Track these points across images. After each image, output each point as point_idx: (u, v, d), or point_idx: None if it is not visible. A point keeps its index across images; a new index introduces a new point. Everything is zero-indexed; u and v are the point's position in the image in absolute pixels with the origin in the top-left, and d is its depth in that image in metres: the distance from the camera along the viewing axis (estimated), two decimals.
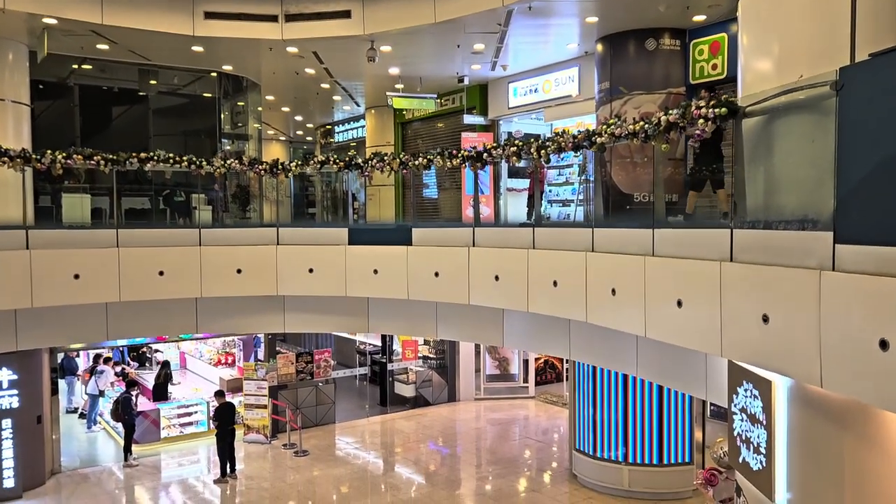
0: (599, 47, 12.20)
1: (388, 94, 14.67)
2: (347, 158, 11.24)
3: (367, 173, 11.05)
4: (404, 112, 18.83)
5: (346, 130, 22.47)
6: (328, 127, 23.36)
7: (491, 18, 11.11)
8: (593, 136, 7.76)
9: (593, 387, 12.30)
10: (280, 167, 11.37)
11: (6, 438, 11.92)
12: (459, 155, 9.97)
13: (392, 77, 15.09)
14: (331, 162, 11.29)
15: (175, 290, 10.77)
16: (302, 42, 12.51)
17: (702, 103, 5.95)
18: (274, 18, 12.15)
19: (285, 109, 20.45)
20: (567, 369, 18.57)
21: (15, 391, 11.97)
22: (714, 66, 11.22)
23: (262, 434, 15.26)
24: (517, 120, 16.09)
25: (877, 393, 4.06)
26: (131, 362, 19.07)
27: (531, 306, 8.87)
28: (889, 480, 4.56)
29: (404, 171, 10.77)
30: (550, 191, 14.95)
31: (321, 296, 11.35)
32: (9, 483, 11.98)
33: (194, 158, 11.07)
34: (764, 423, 5.69)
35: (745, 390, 6.02)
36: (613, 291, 7.41)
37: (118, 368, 17.46)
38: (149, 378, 16.90)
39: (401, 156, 10.79)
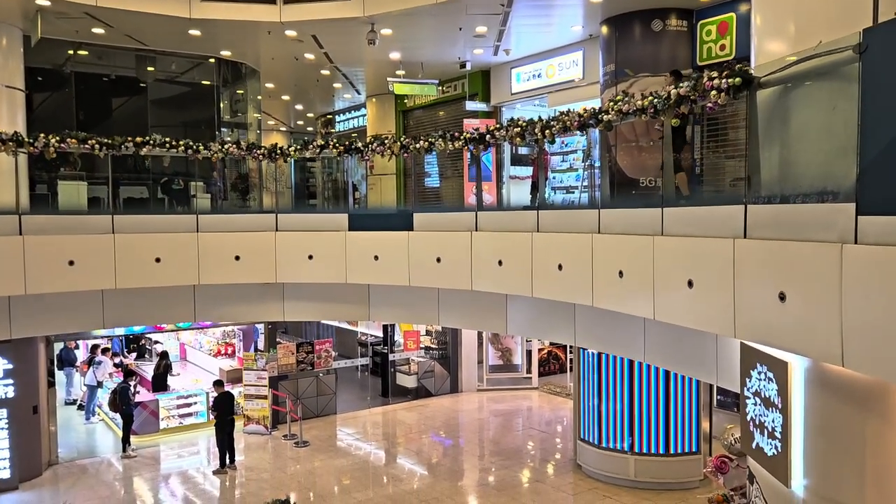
0: (604, 29, 11.95)
1: (388, 79, 14.41)
2: (347, 142, 11.01)
3: (367, 157, 10.82)
4: (405, 100, 18.59)
5: (347, 119, 22.23)
6: (329, 116, 23.12)
7: None
8: (600, 113, 7.52)
9: (598, 376, 12.08)
10: (279, 152, 11.15)
11: (1, 429, 11.74)
12: (462, 137, 9.73)
13: (393, 62, 14.83)
14: (330, 146, 11.06)
15: (172, 278, 10.56)
16: (300, 25, 12.26)
17: (714, 74, 5.70)
18: (272, 0, 11.91)
19: (285, 98, 20.21)
20: (571, 360, 18.37)
21: (10, 381, 11.79)
22: (722, 47, 10.98)
23: (263, 425, 15.07)
24: (520, 106, 15.85)
25: None
26: (127, 353, 18.85)
27: (535, 291, 8.64)
28: None
29: (405, 154, 10.53)
30: (554, 177, 14.74)
31: (321, 283, 11.15)
32: (4, 474, 11.81)
33: (191, 143, 10.85)
34: (779, 406, 5.47)
35: (759, 373, 5.80)
36: (621, 274, 7.17)
37: (117, 360, 17.26)
38: (148, 369, 16.71)
39: (401, 139, 10.55)
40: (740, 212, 5.63)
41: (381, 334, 19.21)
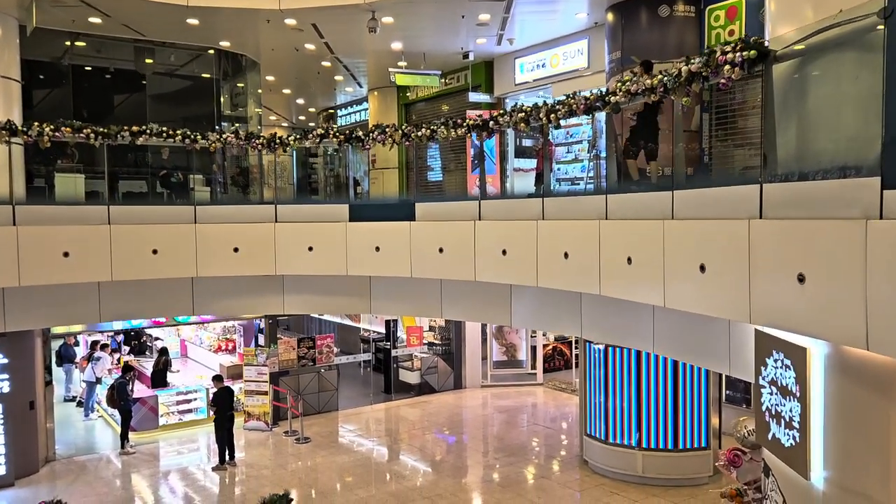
0: (610, 16, 11.69)
1: (390, 69, 14.19)
2: (348, 131, 10.78)
3: (367, 146, 10.59)
4: (408, 93, 18.38)
5: (349, 114, 22.03)
6: (331, 111, 22.92)
7: None
8: (607, 95, 7.28)
9: (605, 371, 11.83)
10: (278, 141, 10.92)
11: None
12: (465, 124, 9.50)
13: (395, 53, 14.61)
14: (331, 135, 10.83)
15: (170, 270, 10.35)
16: (300, 13, 12.02)
17: (728, 48, 5.46)
18: None
19: (286, 91, 19.99)
20: (576, 356, 18.12)
21: (6, 375, 11.57)
22: (731, 33, 10.70)
23: (263, 421, 14.85)
24: (524, 97, 15.60)
25: None
26: (124, 346, 18.62)
27: (541, 281, 8.40)
28: None
29: (406, 142, 10.30)
30: (559, 169, 14.47)
31: (322, 275, 10.93)
32: (0, 470, 11.60)
33: (188, 132, 10.64)
34: (797, 395, 5.23)
35: (776, 361, 5.55)
36: (629, 260, 6.93)
37: (116, 356, 17.06)
38: (148, 366, 16.49)
39: (403, 127, 10.32)
40: (755, 192, 5.39)
41: (383, 330, 18.98)
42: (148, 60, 15.31)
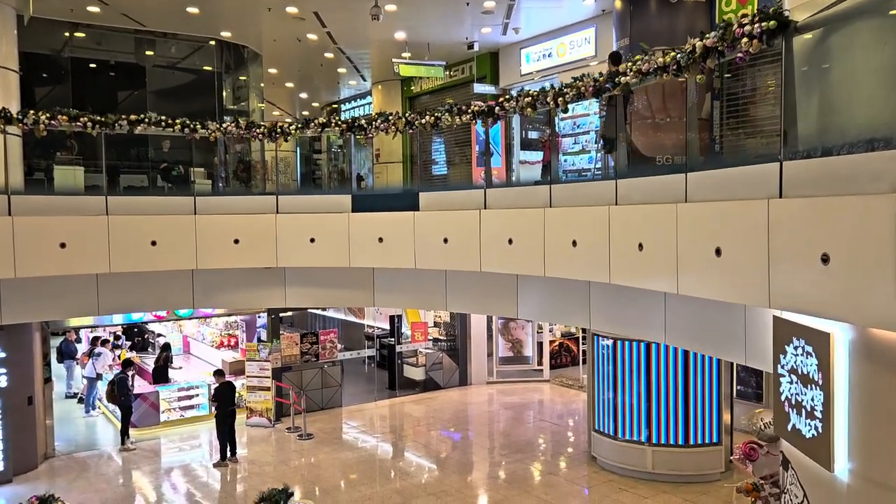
0: (618, 3, 11.42)
1: (394, 60, 13.97)
2: (350, 120, 10.55)
3: (371, 135, 10.35)
4: (412, 86, 18.17)
5: (353, 108, 21.82)
6: (334, 105, 22.71)
7: None
8: (617, 76, 7.02)
9: (614, 365, 11.58)
10: (279, 130, 10.68)
11: None
12: (470, 110, 9.25)
13: (398, 43, 14.38)
14: (333, 124, 10.59)
15: (169, 262, 10.12)
16: (302, 0, 11.81)
17: (745, 20, 5.20)
18: None
19: (289, 85, 19.79)
20: (584, 352, 17.86)
21: (3, 370, 11.39)
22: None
23: (266, 417, 14.63)
24: (529, 88, 15.35)
25: None
26: (126, 342, 18.41)
27: (548, 270, 8.14)
28: None
29: (410, 130, 10.05)
30: (566, 160, 14.23)
31: (324, 267, 10.70)
32: None
33: (187, 121, 10.41)
34: (820, 383, 4.97)
35: (796, 348, 5.29)
36: (640, 246, 6.67)
37: (117, 352, 16.86)
38: (150, 363, 16.30)
39: (406, 115, 10.07)
40: (775, 170, 5.13)
41: (388, 326, 18.76)
42: (148, 52, 15.15)
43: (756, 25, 5.06)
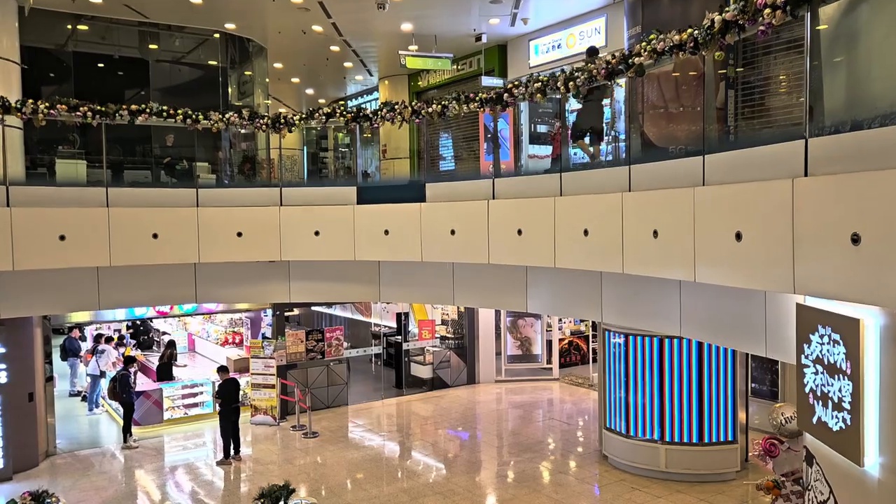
0: None
1: (400, 52, 13.71)
2: (355, 110, 10.32)
3: (376, 125, 10.12)
4: (419, 81, 17.94)
5: (360, 104, 21.59)
6: (341, 102, 22.51)
7: None
8: (631, 57, 6.75)
9: (625, 362, 11.29)
10: (283, 121, 10.47)
11: None
12: (477, 98, 9.01)
13: (405, 35, 14.14)
14: (338, 114, 10.37)
15: (170, 255, 9.91)
16: None
17: None
18: None
19: (295, 80, 19.59)
20: (594, 350, 17.58)
21: (3, 365, 11.20)
22: None
23: (270, 415, 14.41)
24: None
25: None
26: (130, 341, 18.25)
27: (559, 261, 7.87)
28: None
29: (416, 120, 9.80)
30: (575, 153, 13.96)
31: (329, 261, 10.46)
32: None
33: (190, 112, 10.21)
34: (848, 372, 4.70)
35: (822, 336, 5.02)
36: (655, 234, 6.40)
37: (121, 350, 16.69)
38: (155, 361, 16.12)
39: (413, 103, 9.83)
40: (799, 148, 4.86)
41: (394, 325, 18.51)
42: (152, 46, 14.96)
43: None
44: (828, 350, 4.96)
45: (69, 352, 16.63)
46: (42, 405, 12.27)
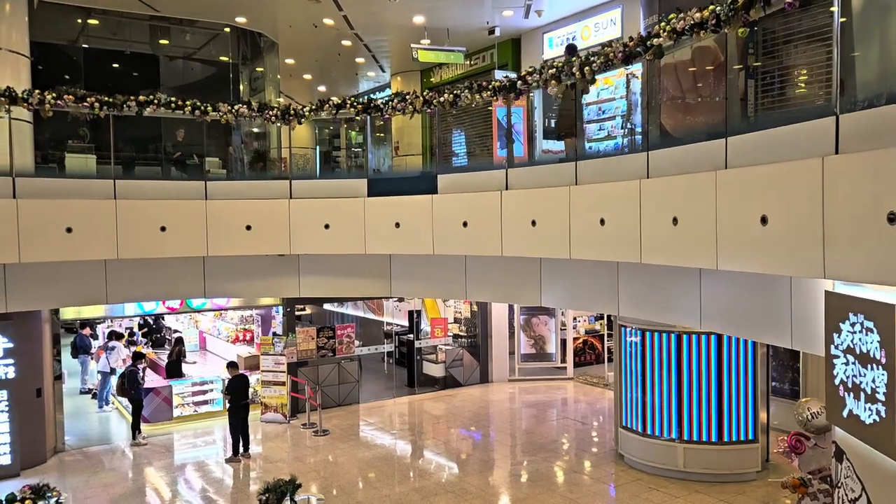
0: None
1: (412, 45, 13.51)
2: (366, 101, 10.14)
3: (387, 115, 9.93)
4: (431, 76, 17.77)
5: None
6: (353, 100, 22.34)
7: None
8: (649, 38, 6.52)
9: (642, 359, 11.03)
10: (293, 113, 10.31)
11: (1, 411, 11.05)
12: (490, 86, 8.79)
13: (417, 28, 13.96)
14: (348, 105, 10.19)
15: (179, 248, 9.75)
16: None
17: None
18: None
19: (307, 77, 19.47)
20: (609, 349, 17.30)
21: (10, 360, 11.10)
22: None
23: (280, 413, 14.25)
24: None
25: None
26: (142, 339, 18.16)
27: (574, 252, 7.63)
28: None
29: (428, 110, 9.60)
30: (590, 147, 13.72)
31: (339, 255, 10.29)
32: (5, 460, 11.14)
33: (198, 103, 10.07)
34: (883, 361, 4.44)
35: (853, 324, 4.77)
36: (675, 221, 6.16)
37: (132, 348, 16.60)
38: (165, 358, 16.02)
39: (424, 93, 9.63)
40: (829, 125, 4.61)
41: (406, 323, 18.32)
42: (163, 42, 14.86)
43: None
44: (860, 339, 4.70)
45: (80, 349, 16.55)
46: (51, 401, 12.18)
